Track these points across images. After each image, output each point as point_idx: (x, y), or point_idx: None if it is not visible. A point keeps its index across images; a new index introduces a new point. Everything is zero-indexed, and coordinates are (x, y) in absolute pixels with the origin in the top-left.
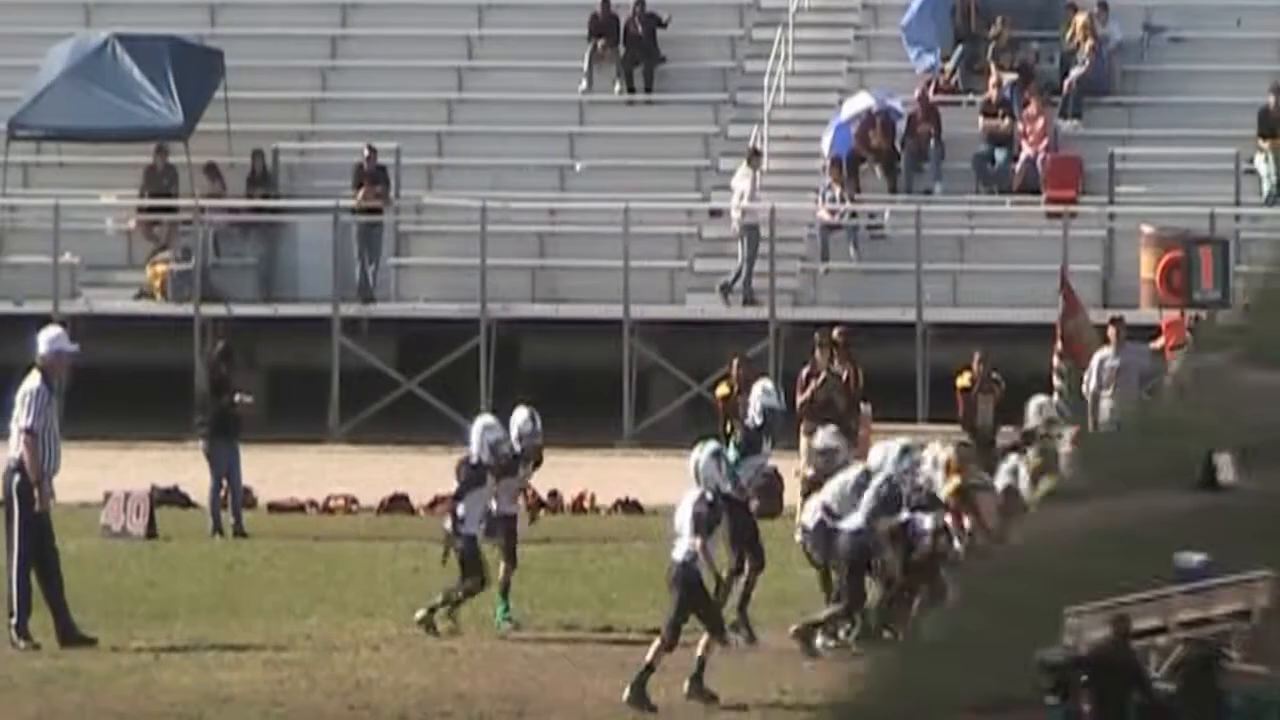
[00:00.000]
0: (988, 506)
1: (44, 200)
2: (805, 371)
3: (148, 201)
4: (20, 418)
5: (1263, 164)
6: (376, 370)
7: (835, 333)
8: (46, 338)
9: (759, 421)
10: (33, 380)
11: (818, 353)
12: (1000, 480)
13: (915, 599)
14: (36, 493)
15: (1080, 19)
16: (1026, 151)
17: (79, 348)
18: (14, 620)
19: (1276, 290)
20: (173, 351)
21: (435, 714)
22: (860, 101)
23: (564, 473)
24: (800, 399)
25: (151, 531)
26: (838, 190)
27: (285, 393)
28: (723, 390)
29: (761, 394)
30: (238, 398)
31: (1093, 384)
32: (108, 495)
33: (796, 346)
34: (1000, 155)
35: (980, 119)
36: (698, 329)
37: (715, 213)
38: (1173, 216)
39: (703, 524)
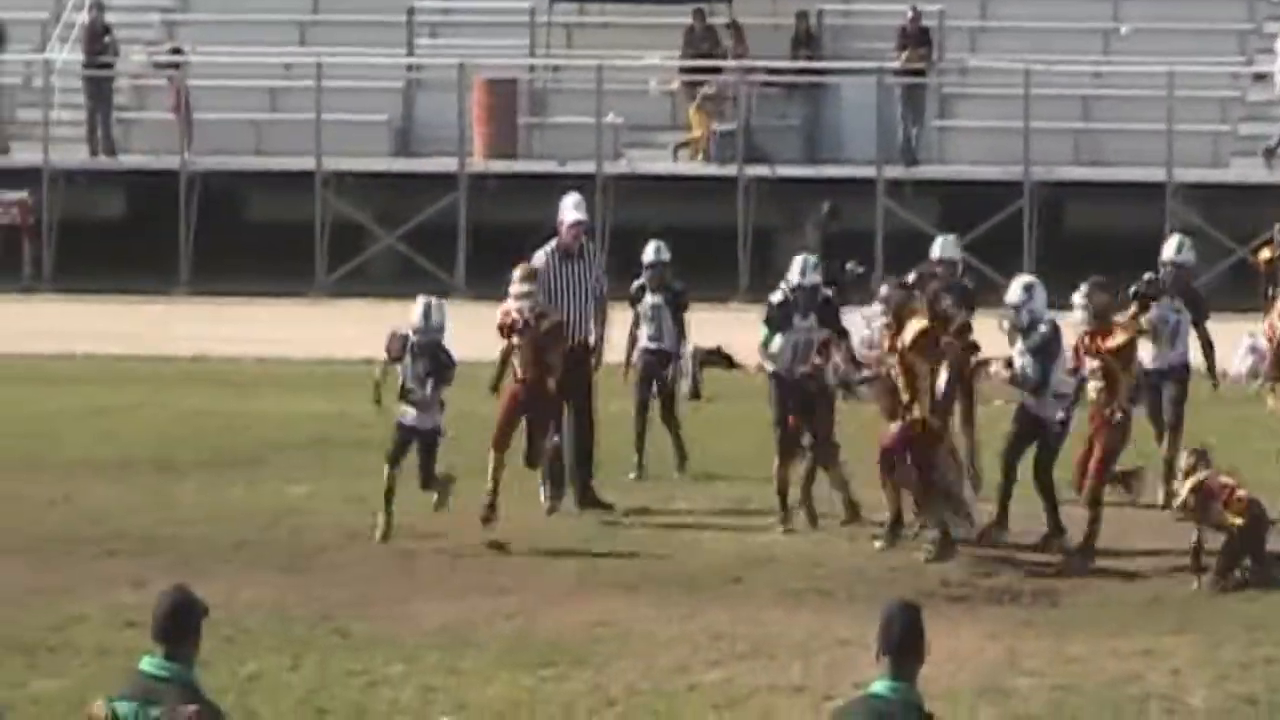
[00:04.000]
0: None
1: (587, 61)
2: None
3: (690, 62)
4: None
5: None
6: (918, 231)
7: None
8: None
9: None
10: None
11: None
12: None
13: None
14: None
15: None
16: None
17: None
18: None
19: None
20: (715, 212)
21: (978, 573)
22: None
23: None
24: None
25: (695, 392)
26: None
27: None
28: (1264, 255)
29: None
30: (849, 265)
31: None
32: None
33: None
34: None
35: None
36: (1240, 193)
37: (1259, 76)
38: None
39: None
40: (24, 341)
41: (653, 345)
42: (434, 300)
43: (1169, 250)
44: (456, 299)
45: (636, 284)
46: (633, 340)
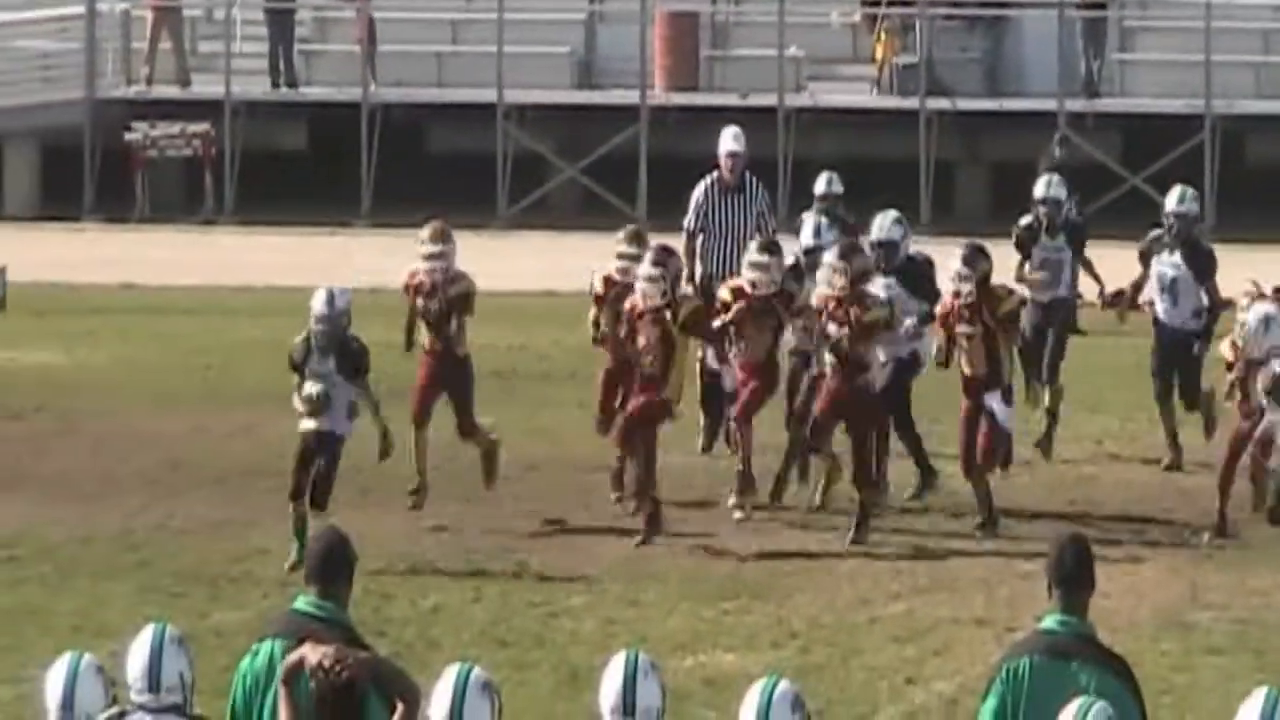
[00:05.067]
0: None
1: None
2: None
3: None
4: None
5: None
6: (1099, 165)
7: None
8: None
9: None
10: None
11: None
12: None
13: None
14: None
15: None
16: None
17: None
18: None
19: None
20: (896, 145)
21: (1157, 509)
22: None
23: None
24: None
25: None
26: None
27: (1004, 187)
28: None
29: None
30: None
31: None
32: None
33: None
34: None
35: None
36: None
37: None
38: None
39: None
40: (205, 274)
41: None
42: (336, 288)
43: (1171, 200)
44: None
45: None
46: None
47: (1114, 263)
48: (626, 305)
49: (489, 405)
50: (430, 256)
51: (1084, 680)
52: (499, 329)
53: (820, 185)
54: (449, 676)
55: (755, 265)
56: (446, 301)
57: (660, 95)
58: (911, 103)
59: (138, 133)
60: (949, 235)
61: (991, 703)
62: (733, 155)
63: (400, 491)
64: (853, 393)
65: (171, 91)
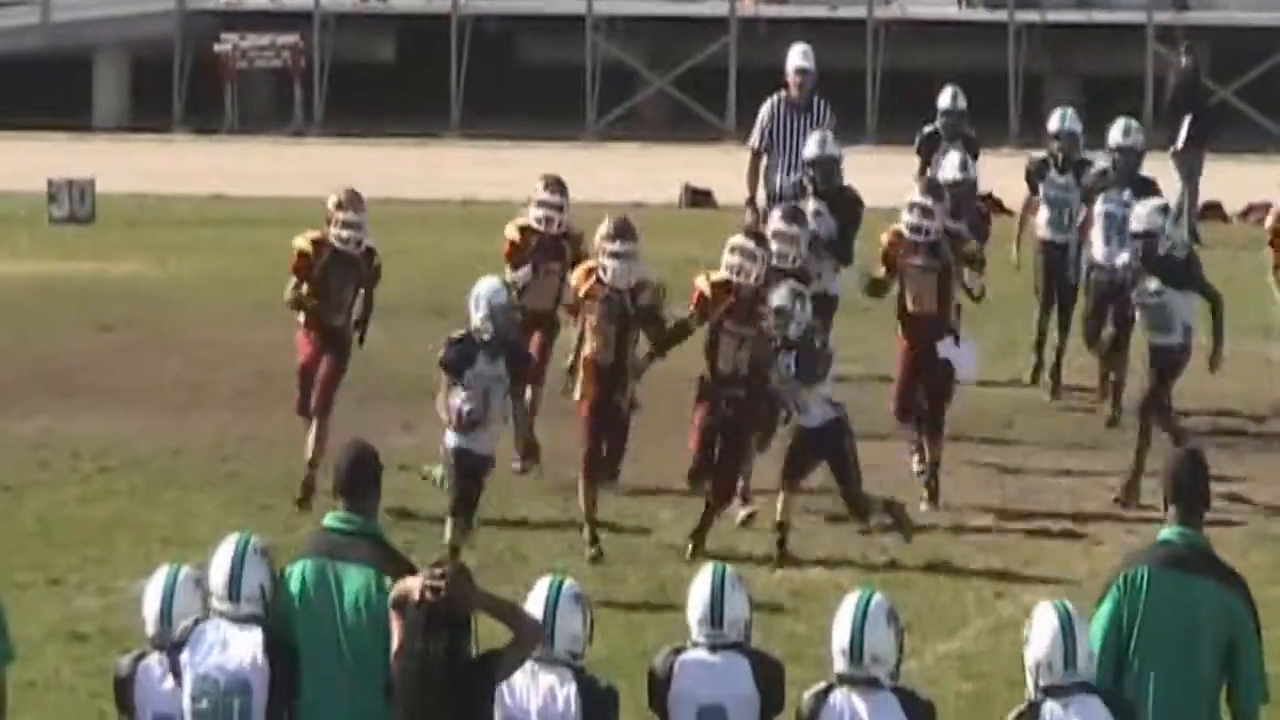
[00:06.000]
0: None
1: None
2: None
3: None
4: None
5: None
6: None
7: None
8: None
9: None
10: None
11: None
12: None
13: None
14: None
15: None
16: None
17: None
18: None
19: None
20: (985, 58)
21: (1245, 422)
22: None
23: None
24: None
25: None
26: None
27: (1093, 100)
28: None
29: None
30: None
31: None
32: None
33: None
34: None
35: None
36: None
37: None
38: None
39: None
40: (294, 185)
41: None
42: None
43: (1116, 134)
44: (728, 143)
45: (928, 130)
46: None
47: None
48: (575, 280)
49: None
50: (346, 224)
51: (1198, 592)
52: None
53: (945, 100)
54: (541, 589)
55: (780, 236)
56: (366, 276)
57: (750, 6)
58: (1000, 15)
59: (227, 44)
60: (1038, 150)
61: (1107, 607)
62: (801, 72)
63: None
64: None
65: (261, 3)
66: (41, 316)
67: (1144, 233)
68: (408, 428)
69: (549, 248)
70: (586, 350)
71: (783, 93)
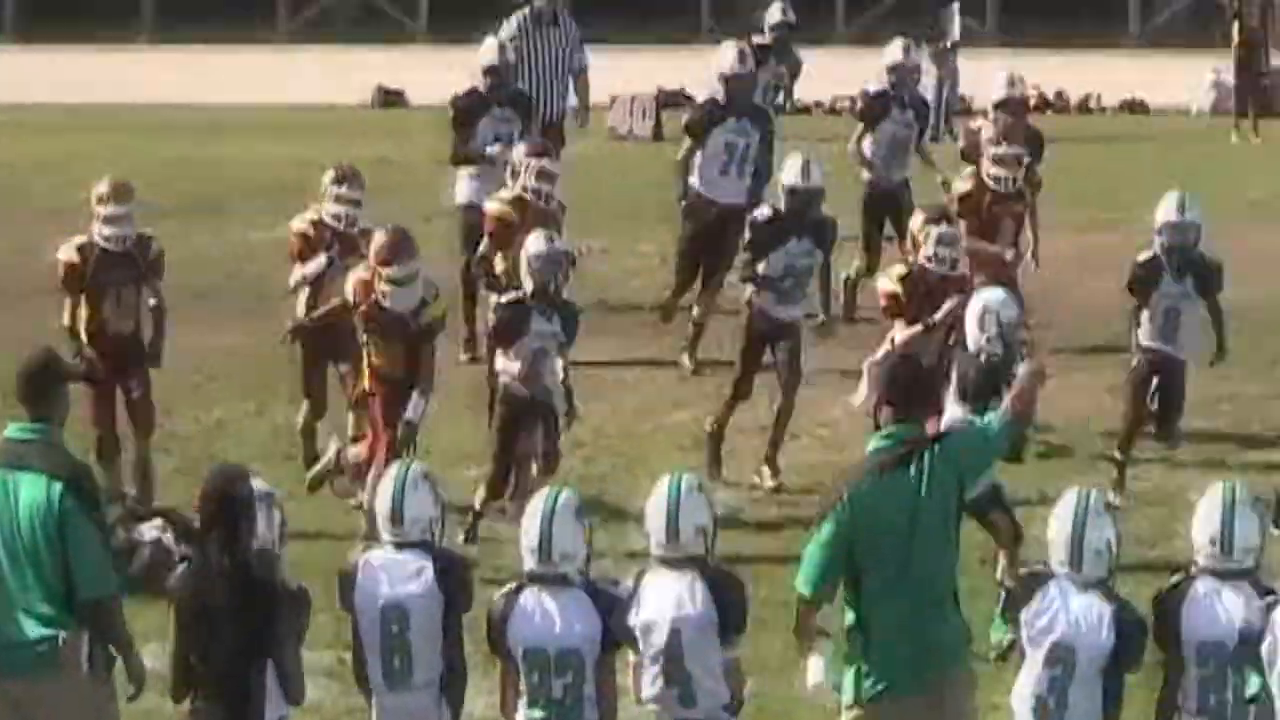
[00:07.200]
0: None
1: None
2: None
3: None
4: None
5: None
6: None
7: None
8: None
9: None
10: None
11: None
12: None
13: None
14: None
15: None
16: None
17: None
18: None
19: None
20: None
21: None
22: None
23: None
24: None
25: (658, 134)
26: None
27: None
28: None
29: None
30: None
31: None
32: (614, 99)
33: None
34: None
35: None
36: None
37: None
38: None
39: None
40: None
41: None
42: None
43: (1170, 211)
44: (420, 44)
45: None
46: None
47: None
48: (352, 292)
49: (271, 218)
50: (111, 219)
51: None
52: (280, 144)
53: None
54: (538, 500)
55: (542, 174)
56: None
57: None
58: None
59: None
60: (1156, 48)
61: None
62: None
63: (189, 303)
64: None
65: None
66: None
67: None
68: None
69: (345, 244)
70: (375, 360)
71: (527, 8)
